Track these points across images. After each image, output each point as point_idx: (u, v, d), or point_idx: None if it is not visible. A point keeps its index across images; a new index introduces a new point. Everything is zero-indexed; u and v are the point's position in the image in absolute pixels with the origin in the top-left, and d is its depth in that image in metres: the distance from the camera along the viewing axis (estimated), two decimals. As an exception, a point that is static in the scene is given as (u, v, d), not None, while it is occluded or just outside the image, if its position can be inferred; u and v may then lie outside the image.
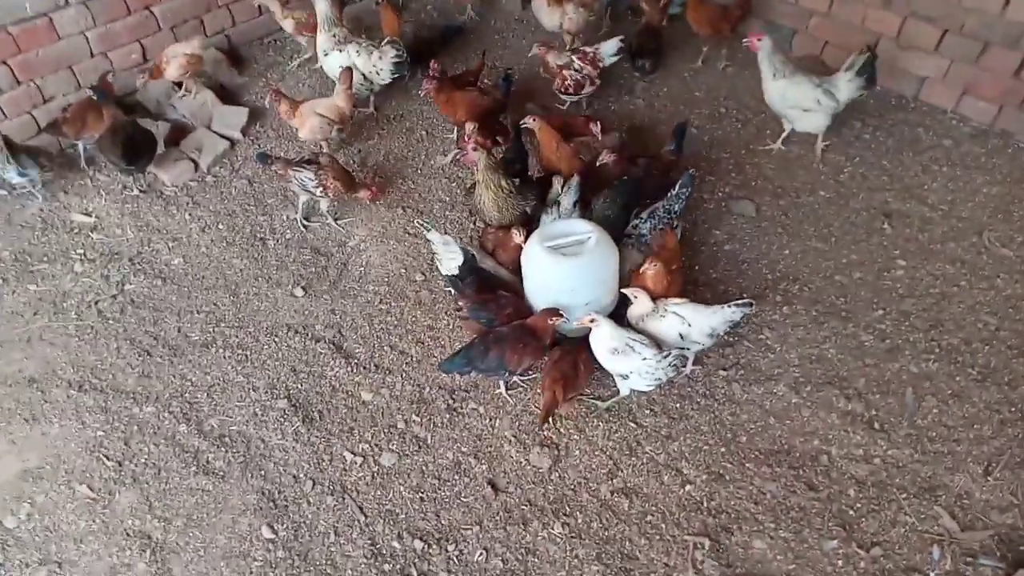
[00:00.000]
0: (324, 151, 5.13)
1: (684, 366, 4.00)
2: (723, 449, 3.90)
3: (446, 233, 4.46)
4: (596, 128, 5.12)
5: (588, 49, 5.67)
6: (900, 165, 5.35)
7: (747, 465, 3.83)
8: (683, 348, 4.04)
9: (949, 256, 4.71)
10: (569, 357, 3.78)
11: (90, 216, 5.10)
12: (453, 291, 4.41)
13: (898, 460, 3.82)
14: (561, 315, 3.84)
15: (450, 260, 4.29)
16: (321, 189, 4.71)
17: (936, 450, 3.84)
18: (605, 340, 3.84)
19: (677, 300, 4.00)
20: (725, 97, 5.97)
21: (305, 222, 5.02)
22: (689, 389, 4.14)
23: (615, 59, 5.72)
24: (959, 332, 4.30)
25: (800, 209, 5.10)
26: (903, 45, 5.69)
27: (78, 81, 5.61)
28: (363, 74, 5.56)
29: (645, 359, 3.77)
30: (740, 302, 3.96)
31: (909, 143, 5.51)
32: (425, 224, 4.35)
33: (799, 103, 5.17)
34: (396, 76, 5.60)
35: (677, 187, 4.50)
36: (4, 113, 5.33)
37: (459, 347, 4.06)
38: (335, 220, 5.04)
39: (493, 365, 3.84)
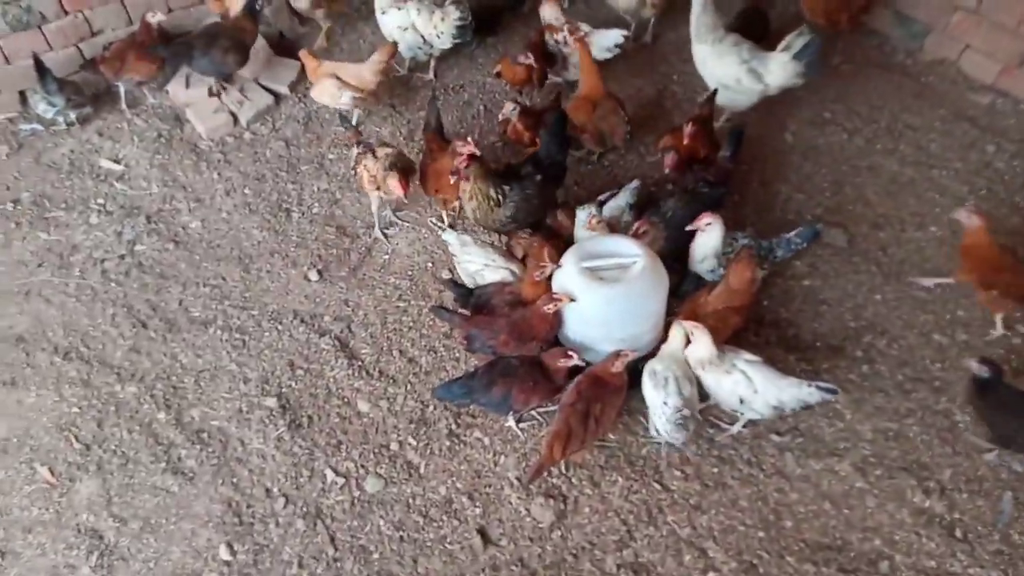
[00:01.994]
0: (389, 145, 4.33)
1: (688, 427, 3.30)
2: (761, 533, 3.27)
3: (466, 232, 3.95)
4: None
5: (584, 28, 4.90)
6: (1039, 205, 4.44)
7: (787, 558, 3.20)
8: (738, 412, 3.42)
9: (1085, 329, 3.85)
10: (582, 405, 3.18)
11: (119, 163, 4.79)
12: (442, 319, 3.86)
13: (979, 582, 3.12)
14: (571, 356, 3.26)
15: (468, 263, 3.82)
16: (354, 173, 4.25)
17: (1031, 577, 3.11)
18: (657, 357, 3.30)
19: (751, 357, 3.35)
20: (833, 100, 5.11)
21: (383, 232, 4.42)
22: (732, 452, 3.51)
23: (608, 55, 4.90)
24: (1083, 429, 3.48)
25: (903, 246, 4.29)
26: (1069, 57, 4.72)
27: (129, 15, 5.28)
28: (422, 36, 5.02)
29: (665, 403, 3.20)
30: (824, 386, 3.27)
31: (1054, 179, 4.57)
32: (440, 224, 3.87)
33: (718, 77, 4.44)
34: (458, 41, 5.02)
35: (793, 234, 3.83)
36: (49, 44, 5.05)
37: (468, 369, 3.55)
38: (382, 230, 4.42)
39: (496, 401, 3.31)
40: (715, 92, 4.53)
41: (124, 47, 4.93)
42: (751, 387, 3.27)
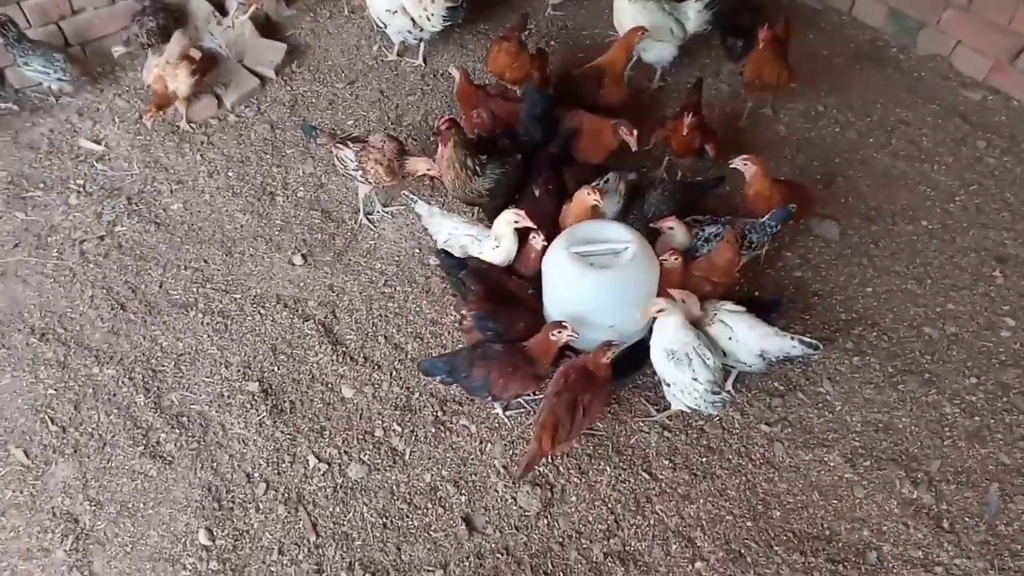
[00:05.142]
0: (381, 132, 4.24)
1: (725, 404, 3.38)
2: (749, 523, 3.24)
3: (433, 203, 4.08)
4: None
5: None
6: (1027, 201, 4.45)
7: (775, 548, 3.16)
8: (729, 366, 3.47)
9: (1073, 323, 3.85)
10: (569, 395, 3.12)
11: (99, 144, 4.68)
12: (457, 294, 3.84)
13: (967, 572, 3.10)
14: (566, 327, 3.19)
15: (436, 233, 3.93)
16: (360, 172, 4.06)
17: (1019, 568, 3.11)
18: (667, 337, 3.24)
19: (732, 307, 3.41)
20: (826, 93, 5.09)
21: (368, 218, 4.34)
22: (721, 442, 3.47)
23: None
24: (1071, 422, 3.49)
25: (894, 239, 4.27)
26: (1056, 54, 4.72)
27: (111, -7, 5.17)
28: (412, 19, 4.95)
29: (695, 379, 3.18)
30: (808, 340, 3.30)
31: (1043, 175, 4.58)
32: (411, 196, 3.99)
33: (652, 29, 4.70)
34: (448, 23, 4.96)
35: (766, 217, 3.76)
36: (28, 20, 4.93)
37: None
38: (367, 216, 4.33)
39: (476, 384, 3.26)
40: (701, 80, 4.49)
41: None
42: (733, 337, 3.32)
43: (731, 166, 3.96)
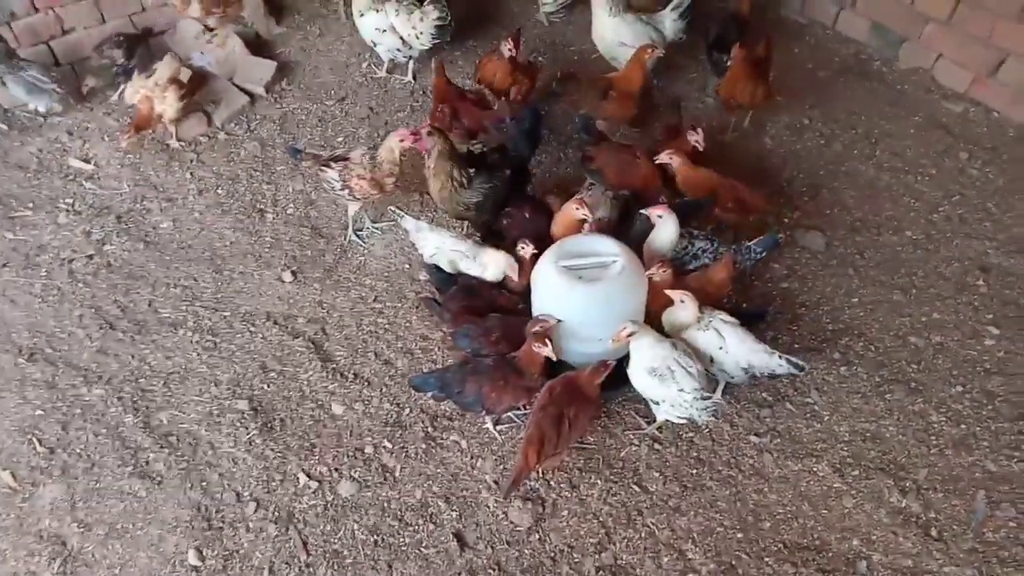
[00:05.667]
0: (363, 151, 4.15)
1: (719, 415, 3.46)
2: (740, 534, 3.24)
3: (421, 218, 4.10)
4: None
5: None
6: (1010, 211, 4.49)
7: (766, 559, 3.17)
8: (711, 374, 3.48)
9: (1056, 331, 3.89)
10: (554, 409, 3.13)
11: (89, 163, 4.69)
12: (432, 311, 3.87)
13: (955, 581, 3.11)
14: (548, 342, 3.21)
15: (424, 247, 3.92)
16: (347, 191, 4.08)
17: (1007, 575, 3.10)
18: (645, 356, 3.26)
19: (727, 317, 3.43)
20: (811, 106, 5.16)
21: (356, 234, 4.36)
22: (710, 454, 3.48)
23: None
24: (1057, 430, 3.51)
25: (879, 250, 4.32)
26: (1037, 67, 4.79)
27: (101, 14, 5.21)
28: (401, 37, 4.99)
29: (682, 390, 3.19)
30: (794, 361, 3.34)
31: (1025, 185, 4.63)
32: (399, 212, 4.02)
33: (635, 41, 4.83)
34: (437, 41, 5.01)
35: (753, 242, 3.82)
36: (18, 41, 4.96)
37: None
38: (356, 232, 4.35)
39: (469, 400, 3.27)
40: (678, 100, 4.56)
41: None
42: (723, 346, 3.35)
43: (657, 161, 4.07)
